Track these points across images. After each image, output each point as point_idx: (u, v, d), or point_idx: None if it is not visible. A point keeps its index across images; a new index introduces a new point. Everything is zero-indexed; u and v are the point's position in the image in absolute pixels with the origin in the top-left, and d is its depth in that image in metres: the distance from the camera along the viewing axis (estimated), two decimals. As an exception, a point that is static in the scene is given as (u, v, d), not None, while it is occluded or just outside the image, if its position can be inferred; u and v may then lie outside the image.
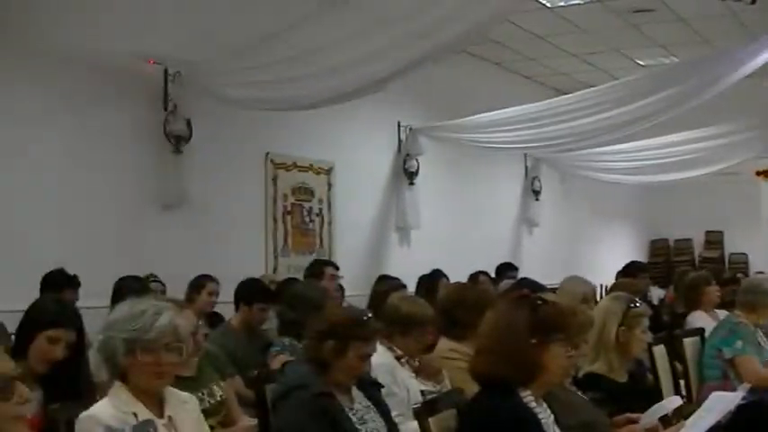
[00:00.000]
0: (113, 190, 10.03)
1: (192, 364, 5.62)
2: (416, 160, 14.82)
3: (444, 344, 6.63)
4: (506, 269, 13.85)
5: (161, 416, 4.21)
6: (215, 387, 5.97)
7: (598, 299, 8.85)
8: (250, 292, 8.45)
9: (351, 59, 8.82)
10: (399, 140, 14.78)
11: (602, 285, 13.30)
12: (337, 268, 10.39)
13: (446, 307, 6.80)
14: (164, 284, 8.93)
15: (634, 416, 5.54)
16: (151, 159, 10.53)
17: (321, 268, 10.14)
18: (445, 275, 11.19)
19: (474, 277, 11.79)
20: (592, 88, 12.96)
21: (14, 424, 2.95)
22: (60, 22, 9.47)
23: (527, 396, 4.21)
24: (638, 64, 17.28)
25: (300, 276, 10.55)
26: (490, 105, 13.66)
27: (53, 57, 9.41)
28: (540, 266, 15.63)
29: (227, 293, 9.04)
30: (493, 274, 13.11)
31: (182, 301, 6.16)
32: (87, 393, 4.92)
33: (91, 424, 4.03)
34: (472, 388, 4.58)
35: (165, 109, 10.60)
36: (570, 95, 13.04)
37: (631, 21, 14.59)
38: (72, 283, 8.25)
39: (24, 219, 9.08)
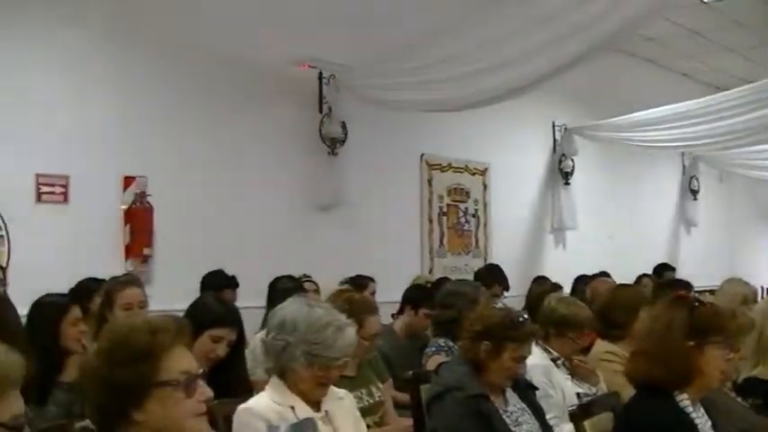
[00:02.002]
0: (270, 192, 10.19)
1: (353, 365, 5.66)
2: (572, 160, 14.69)
3: (600, 346, 6.56)
4: (663, 270, 13.62)
5: (318, 410, 4.26)
6: (373, 388, 6.01)
7: (759, 301, 8.60)
8: (418, 296, 8.42)
9: (503, 60, 8.78)
10: (554, 140, 14.69)
11: (762, 288, 12.98)
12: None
13: (601, 308, 6.72)
14: (317, 284, 9.00)
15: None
16: (307, 161, 10.66)
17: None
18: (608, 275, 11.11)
19: (638, 280, 11.63)
20: (750, 84, 12.64)
21: (196, 421, 3.03)
22: (220, 27, 9.66)
23: (684, 400, 4.13)
24: (800, 58, 16.81)
25: (455, 277, 10.52)
26: (646, 103, 13.45)
27: (213, 60, 9.62)
28: (698, 267, 15.36)
29: (382, 294, 9.09)
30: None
31: (374, 306, 6.17)
32: (244, 391, 4.98)
33: (249, 416, 4.10)
34: (629, 391, 4.52)
35: (321, 112, 10.73)
36: (728, 92, 12.72)
37: (792, 13, 14.20)
38: (231, 283, 8.39)
39: (183, 220, 9.29)
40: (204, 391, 3.06)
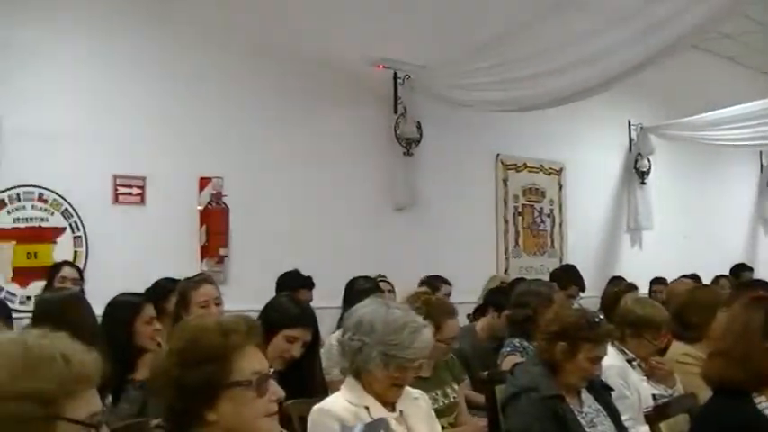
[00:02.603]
0: (346, 192, 10.24)
1: (429, 366, 5.65)
2: (648, 159, 14.58)
3: (677, 347, 6.50)
4: (741, 270, 13.45)
5: (392, 410, 4.25)
6: (448, 389, 6.00)
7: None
8: (501, 299, 8.35)
9: (578, 59, 8.71)
10: (630, 139, 14.60)
11: None
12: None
13: (677, 309, 6.66)
14: (392, 285, 9.00)
15: None
16: (382, 162, 10.69)
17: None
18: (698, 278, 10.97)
19: (715, 280, 11.50)
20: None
21: (268, 420, 3.05)
22: (296, 28, 9.72)
23: (762, 402, 4.05)
24: None
25: (530, 278, 10.46)
26: (723, 102, 13.28)
27: (288, 61, 9.69)
28: (777, 267, 15.15)
29: (457, 294, 9.07)
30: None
31: (452, 309, 6.18)
32: (319, 391, 4.99)
33: (323, 416, 4.10)
34: (706, 393, 4.45)
35: (396, 112, 10.75)
36: (807, 90, 12.56)
37: None
38: (306, 283, 8.41)
39: (259, 220, 9.35)
40: (275, 390, 3.08)
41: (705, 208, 15.95)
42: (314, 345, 5.33)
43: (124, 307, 5.76)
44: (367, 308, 4.35)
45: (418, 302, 5.69)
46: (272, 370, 3.12)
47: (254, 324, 3.16)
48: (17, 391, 2.22)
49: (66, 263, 7.85)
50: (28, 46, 8.02)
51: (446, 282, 9.41)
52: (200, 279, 6.68)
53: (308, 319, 5.28)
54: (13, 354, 2.29)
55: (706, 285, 9.23)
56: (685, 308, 6.61)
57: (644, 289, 10.76)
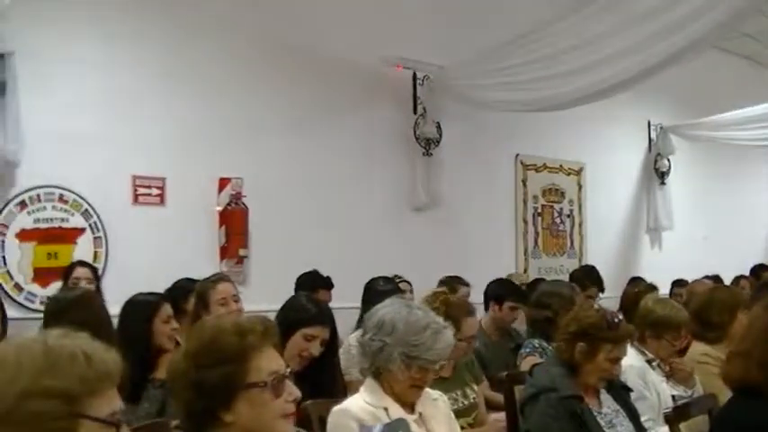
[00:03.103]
0: (365, 192, 10.26)
1: (449, 366, 5.65)
2: (668, 159, 14.54)
3: (697, 348, 6.48)
4: (761, 271, 13.38)
5: (412, 412, 4.23)
6: (468, 390, 6.00)
7: None
8: (500, 290, 8.40)
9: (598, 59, 8.70)
10: (650, 139, 14.56)
11: None
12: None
13: (697, 310, 6.64)
14: (411, 284, 8.99)
15: None
16: (402, 162, 10.70)
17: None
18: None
19: (736, 281, 11.46)
20: None
21: (284, 421, 3.06)
22: (315, 29, 9.74)
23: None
24: None
25: (550, 278, 10.46)
26: (743, 101, 13.23)
27: (309, 61, 9.70)
28: (798, 268, 15.05)
29: (477, 295, 9.05)
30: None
31: (470, 308, 6.17)
32: (338, 391, 4.99)
33: (343, 417, 4.10)
34: (726, 394, 4.43)
35: (415, 112, 10.76)
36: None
37: None
38: (326, 283, 8.40)
39: (278, 221, 9.37)
40: (292, 391, 3.08)
41: (725, 208, 15.88)
42: (332, 344, 5.33)
43: (142, 306, 5.77)
44: (388, 308, 4.33)
45: (437, 302, 5.69)
46: (288, 370, 3.12)
47: (270, 324, 3.16)
48: (40, 389, 2.24)
49: (80, 263, 7.84)
50: (49, 48, 8.04)
51: (464, 283, 9.37)
52: (218, 278, 6.73)
53: (325, 318, 5.27)
54: (34, 353, 2.31)
55: (726, 286, 9.19)
56: (705, 308, 6.58)
57: (664, 289, 10.71)
